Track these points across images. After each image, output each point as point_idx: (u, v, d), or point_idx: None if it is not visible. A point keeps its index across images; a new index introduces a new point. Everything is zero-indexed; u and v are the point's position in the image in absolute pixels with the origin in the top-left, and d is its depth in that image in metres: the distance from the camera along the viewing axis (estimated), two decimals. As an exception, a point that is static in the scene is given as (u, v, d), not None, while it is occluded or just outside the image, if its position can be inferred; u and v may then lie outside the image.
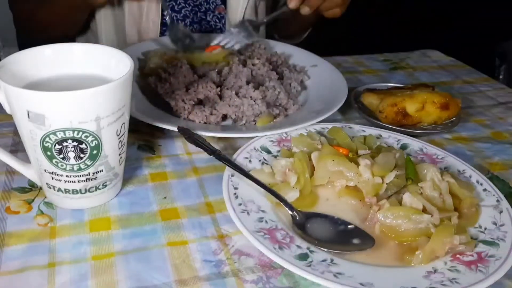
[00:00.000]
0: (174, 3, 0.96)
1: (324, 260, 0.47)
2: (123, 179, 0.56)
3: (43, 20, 0.91)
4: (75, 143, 0.47)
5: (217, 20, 1.00)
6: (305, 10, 0.81)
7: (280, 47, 0.90)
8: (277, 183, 0.56)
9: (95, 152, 0.49)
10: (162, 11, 0.94)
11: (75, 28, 0.97)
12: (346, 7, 0.86)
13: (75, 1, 0.82)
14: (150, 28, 0.93)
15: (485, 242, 0.50)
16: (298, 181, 0.54)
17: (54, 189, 0.51)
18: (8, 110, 0.48)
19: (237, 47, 0.83)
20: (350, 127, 0.68)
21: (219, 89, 0.72)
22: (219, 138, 0.67)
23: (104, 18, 0.93)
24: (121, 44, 0.94)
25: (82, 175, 0.50)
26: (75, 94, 0.45)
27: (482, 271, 0.46)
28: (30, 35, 1.01)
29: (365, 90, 0.79)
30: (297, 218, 0.52)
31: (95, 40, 0.97)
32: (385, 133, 0.68)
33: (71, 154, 0.48)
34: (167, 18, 0.85)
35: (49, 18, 0.91)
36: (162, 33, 0.95)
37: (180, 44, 0.84)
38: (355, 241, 0.50)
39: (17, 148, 0.62)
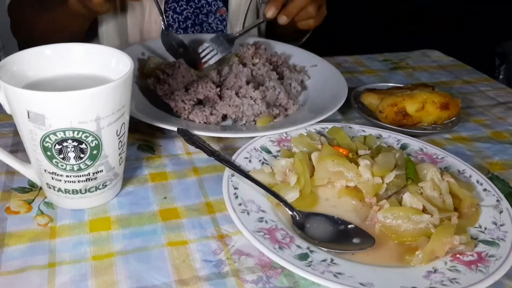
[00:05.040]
0: (175, 5, 0.95)
1: (324, 260, 0.47)
2: (123, 179, 0.56)
3: (44, 27, 0.89)
4: (75, 143, 0.47)
5: (218, 22, 0.99)
6: (283, 20, 0.81)
7: (280, 47, 0.90)
8: (277, 183, 0.56)
9: (95, 152, 0.49)
10: (165, 11, 0.93)
11: (78, 36, 0.93)
12: (321, 20, 0.86)
13: (78, 10, 0.80)
14: (152, 28, 0.93)
15: (485, 242, 0.50)
16: (298, 181, 0.54)
17: (54, 189, 0.51)
18: (8, 110, 0.48)
19: (216, 58, 0.82)
20: (350, 127, 0.68)
21: (219, 89, 0.72)
22: (219, 138, 0.67)
23: (105, 20, 0.93)
24: (123, 45, 0.94)
25: (82, 175, 0.50)
26: (75, 94, 0.45)
27: (482, 271, 0.46)
28: (29, 42, 0.99)
29: (365, 90, 0.79)
30: (297, 218, 0.52)
31: (97, 41, 0.97)
32: (385, 133, 0.68)
33: (71, 154, 0.48)
34: (162, 25, 0.84)
35: (50, 26, 0.88)
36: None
37: (174, 53, 0.84)
38: (355, 240, 0.50)
39: (17, 148, 0.62)
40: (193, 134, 0.63)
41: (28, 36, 0.95)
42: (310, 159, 0.58)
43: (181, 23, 0.96)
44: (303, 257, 0.47)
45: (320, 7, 0.84)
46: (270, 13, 0.80)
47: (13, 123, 0.49)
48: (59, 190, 0.51)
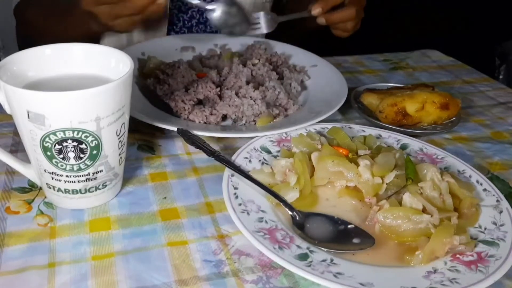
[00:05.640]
0: (181, 4, 0.95)
1: (324, 260, 0.47)
2: (123, 179, 0.56)
3: (51, 31, 0.85)
4: (75, 143, 0.47)
5: None
6: (322, 21, 0.85)
7: (280, 47, 0.90)
8: (277, 183, 0.56)
9: (95, 152, 0.49)
10: (170, 9, 0.93)
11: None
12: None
13: (99, 32, 0.76)
14: (156, 28, 0.93)
15: (485, 242, 0.50)
16: (298, 181, 0.54)
17: (54, 189, 0.51)
18: (8, 110, 0.48)
19: (259, 32, 0.85)
20: (350, 127, 0.68)
21: (219, 89, 0.72)
22: (219, 138, 0.67)
23: None
24: (125, 44, 0.94)
25: (82, 175, 0.50)
26: (75, 94, 0.45)
27: (482, 271, 0.46)
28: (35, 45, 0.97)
29: (365, 90, 0.79)
30: (297, 218, 0.52)
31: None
32: (385, 133, 0.68)
33: (71, 154, 0.48)
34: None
35: (57, 31, 0.84)
36: (168, 32, 0.95)
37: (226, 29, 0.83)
38: (355, 240, 0.50)
39: (17, 148, 0.62)
40: (193, 134, 0.63)
41: (34, 38, 0.92)
42: (310, 159, 0.58)
43: (186, 21, 0.97)
44: (303, 257, 0.47)
45: (356, 24, 0.88)
46: (316, 11, 0.83)
47: (13, 123, 0.49)
48: (59, 190, 0.51)
